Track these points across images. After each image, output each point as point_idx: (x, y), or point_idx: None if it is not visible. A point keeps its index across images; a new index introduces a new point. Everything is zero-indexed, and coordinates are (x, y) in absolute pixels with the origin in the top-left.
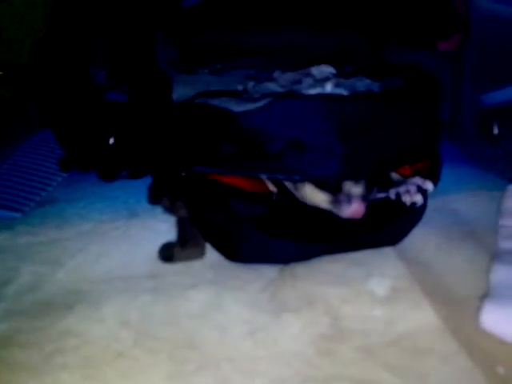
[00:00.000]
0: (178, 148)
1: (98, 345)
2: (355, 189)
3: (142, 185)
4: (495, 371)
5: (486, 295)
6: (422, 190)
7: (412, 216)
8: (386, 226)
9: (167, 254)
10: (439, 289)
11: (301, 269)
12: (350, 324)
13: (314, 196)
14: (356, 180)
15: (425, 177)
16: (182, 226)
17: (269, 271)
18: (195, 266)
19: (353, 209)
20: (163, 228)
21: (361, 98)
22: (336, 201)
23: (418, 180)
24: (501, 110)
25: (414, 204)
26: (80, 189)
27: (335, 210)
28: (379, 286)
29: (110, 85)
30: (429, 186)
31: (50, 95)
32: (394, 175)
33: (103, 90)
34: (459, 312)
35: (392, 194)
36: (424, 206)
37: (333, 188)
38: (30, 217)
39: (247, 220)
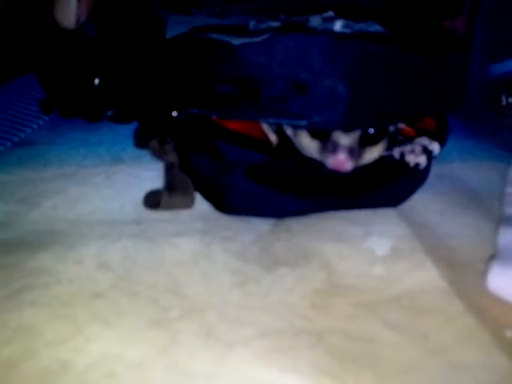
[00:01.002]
0: (169, 85)
1: (72, 285)
2: (343, 138)
3: (129, 132)
4: (503, 335)
5: (492, 258)
6: (427, 152)
7: (415, 178)
8: (387, 186)
9: (153, 200)
10: (443, 251)
11: (296, 224)
12: (348, 280)
13: (308, 144)
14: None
15: (432, 138)
16: (170, 171)
17: (262, 224)
18: (183, 214)
19: (337, 159)
20: (149, 175)
21: (373, 38)
22: (323, 149)
23: (424, 140)
24: (510, 81)
25: (417, 165)
26: (63, 133)
27: (322, 159)
28: (379, 245)
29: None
30: (435, 147)
31: (32, 35)
32: (399, 137)
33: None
34: (464, 274)
35: (396, 152)
36: (428, 169)
37: (323, 136)
38: (6, 156)
39: (239, 167)
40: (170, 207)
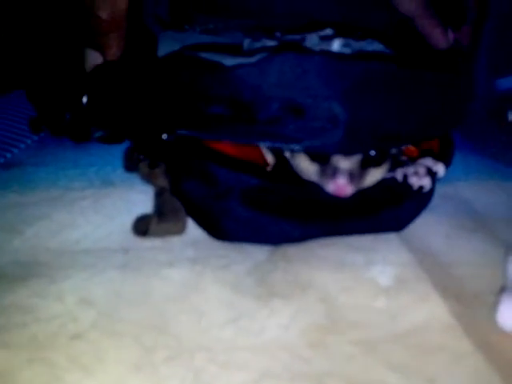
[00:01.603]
0: (160, 106)
1: (51, 324)
2: (343, 162)
3: (120, 152)
4: None
5: (502, 290)
6: (431, 173)
7: (418, 201)
8: (389, 209)
9: (142, 227)
10: (450, 281)
11: (294, 252)
12: (349, 315)
13: (307, 167)
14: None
15: (436, 158)
16: (160, 196)
17: (258, 252)
18: (174, 240)
19: (337, 184)
20: (140, 198)
21: (372, 58)
22: (323, 173)
23: (428, 161)
24: None
25: (421, 188)
26: (51, 153)
27: (322, 184)
28: (382, 275)
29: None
30: (440, 168)
31: (21, 50)
32: (402, 157)
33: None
34: (473, 307)
35: (399, 174)
36: (432, 191)
37: (323, 159)
38: None
39: (233, 192)
40: (159, 234)
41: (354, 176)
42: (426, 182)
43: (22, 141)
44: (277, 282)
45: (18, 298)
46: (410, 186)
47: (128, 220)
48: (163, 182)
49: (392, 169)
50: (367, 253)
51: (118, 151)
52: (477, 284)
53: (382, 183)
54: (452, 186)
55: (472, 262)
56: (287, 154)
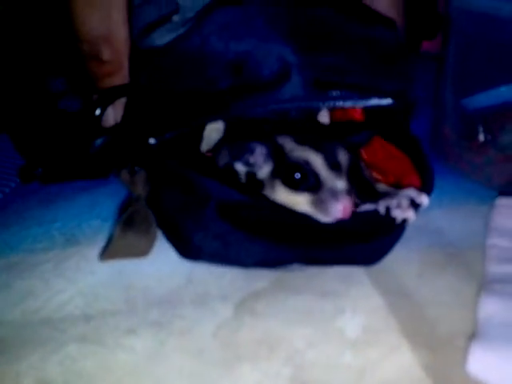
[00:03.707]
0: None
1: None
2: (339, 182)
3: (86, 204)
4: None
5: (473, 335)
6: (415, 205)
7: (393, 234)
8: (365, 243)
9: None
10: (420, 326)
11: (261, 304)
12: (316, 374)
13: (292, 199)
14: (332, 164)
15: (419, 189)
16: (134, 203)
17: (223, 308)
18: (138, 300)
19: (343, 205)
20: None
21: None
22: (319, 201)
23: (411, 192)
24: (486, 115)
25: (404, 221)
26: (16, 211)
27: (318, 212)
28: (350, 324)
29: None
30: (424, 199)
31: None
32: (381, 186)
33: (57, 97)
34: (443, 356)
35: (381, 206)
36: (404, 224)
37: (310, 186)
38: None
39: (210, 203)
40: (122, 251)
41: (351, 194)
42: (409, 215)
43: None
44: (243, 342)
45: None
46: (393, 219)
47: (91, 280)
48: (142, 189)
49: (373, 200)
50: (337, 299)
51: (84, 201)
52: (449, 326)
53: (362, 215)
54: (425, 216)
55: (444, 301)
56: (267, 191)
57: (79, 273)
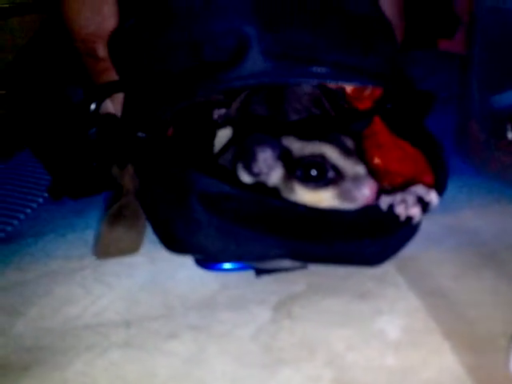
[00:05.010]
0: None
1: None
2: (359, 167)
3: None
4: None
5: None
6: (423, 202)
7: (398, 233)
8: (360, 242)
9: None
10: (460, 328)
11: (298, 307)
12: (358, 376)
13: (316, 197)
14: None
15: (429, 186)
16: (123, 197)
17: (261, 312)
18: (175, 304)
19: (368, 188)
20: (140, 261)
21: None
22: (345, 191)
23: (419, 189)
24: None
25: (409, 219)
26: (51, 220)
27: (345, 203)
28: (390, 326)
29: None
30: (433, 197)
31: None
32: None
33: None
34: (485, 357)
35: (384, 203)
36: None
37: (332, 179)
38: None
39: (193, 195)
40: (110, 244)
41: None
42: (415, 212)
43: (22, 211)
44: (283, 345)
45: None
46: (396, 217)
47: (129, 284)
48: (130, 183)
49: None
50: (373, 300)
51: None
52: (490, 327)
53: (360, 210)
54: (455, 216)
55: (483, 302)
56: (285, 195)
57: (117, 278)
